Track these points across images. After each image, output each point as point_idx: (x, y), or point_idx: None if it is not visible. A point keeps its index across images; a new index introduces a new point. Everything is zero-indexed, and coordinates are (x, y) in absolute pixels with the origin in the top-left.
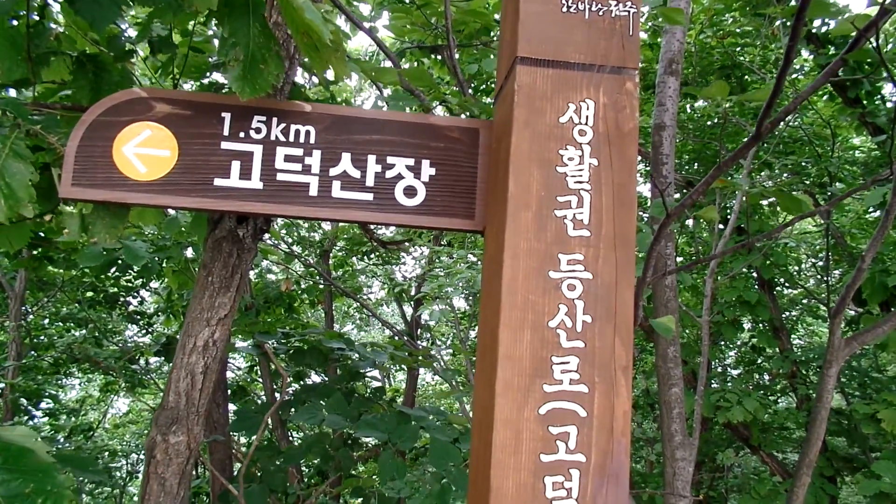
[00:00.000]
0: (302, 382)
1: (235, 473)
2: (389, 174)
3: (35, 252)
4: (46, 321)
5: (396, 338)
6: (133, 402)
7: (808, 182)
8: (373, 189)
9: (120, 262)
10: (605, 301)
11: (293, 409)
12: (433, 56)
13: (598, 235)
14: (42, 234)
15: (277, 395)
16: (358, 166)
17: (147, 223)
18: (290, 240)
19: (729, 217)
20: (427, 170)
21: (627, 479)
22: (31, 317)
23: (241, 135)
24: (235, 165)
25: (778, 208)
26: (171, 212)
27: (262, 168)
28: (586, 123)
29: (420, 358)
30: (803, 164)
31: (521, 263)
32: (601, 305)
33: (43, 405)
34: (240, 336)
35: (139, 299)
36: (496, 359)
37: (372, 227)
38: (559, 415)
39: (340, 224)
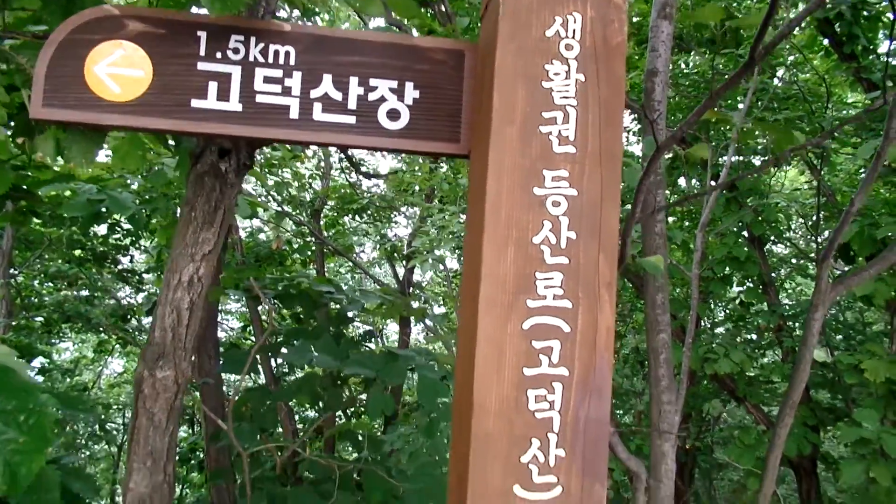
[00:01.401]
0: (289, 323)
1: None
2: (372, 97)
3: (19, 205)
4: (36, 282)
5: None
6: (128, 363)
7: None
8: (355, 112)
9: (105, 210)
10: (589, 218)
11: (283, 351)
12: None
13: (583, 152)
14: (25, 188)
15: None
16: (339, 88)
17: (130, 167)
18: (280, 198)
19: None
20: (411, 92)
21: (610, 393)
22: (21, 278)
23: (218, 55)
24: (213, 87)
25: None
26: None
27: (241, 90)
28: (573, 37)
29: (411, 305)
30: (797, 120)
31: (505, 180)
32: (586, 222)
33: (36, 363)
34: (231, 293)
35: (129, 257)
36: (480, 275)
37: (355, 153)
38: (543, 330)
39: (331, 183)
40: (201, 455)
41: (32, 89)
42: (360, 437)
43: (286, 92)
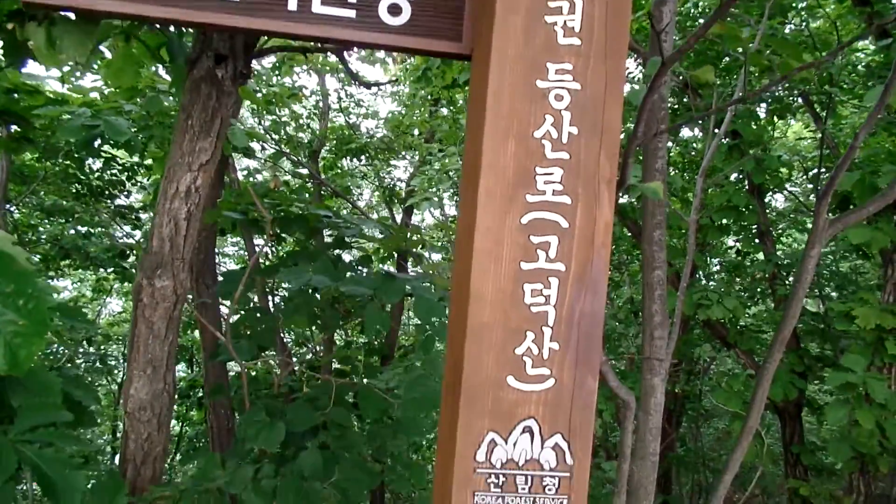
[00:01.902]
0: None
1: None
2: None
3: (13, 132)
4: (33, 222)
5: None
6: (126, 303)
7: (808, 87)
8: (355, 5)
9: (100, 138)
10: (592, 113)
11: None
12: None
13: (588, 44)
14: (17, 113)
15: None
16: None
17: (124, 83)
18: (277, 137)
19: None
20: None
21: (605, 290)
22: (17, 214)
23: None
24: None
25: (774, 118)
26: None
27: None
28: None
29: (408, 237)
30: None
31: (507, 71)
32: (588, 117)
33: None
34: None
35: (126, 193)
36: (479, 168)
37: (353, 50)
38: (541, 225)
39: (329, 125)
40: (200, 392)
41: None
42: (358, 362)
43: None
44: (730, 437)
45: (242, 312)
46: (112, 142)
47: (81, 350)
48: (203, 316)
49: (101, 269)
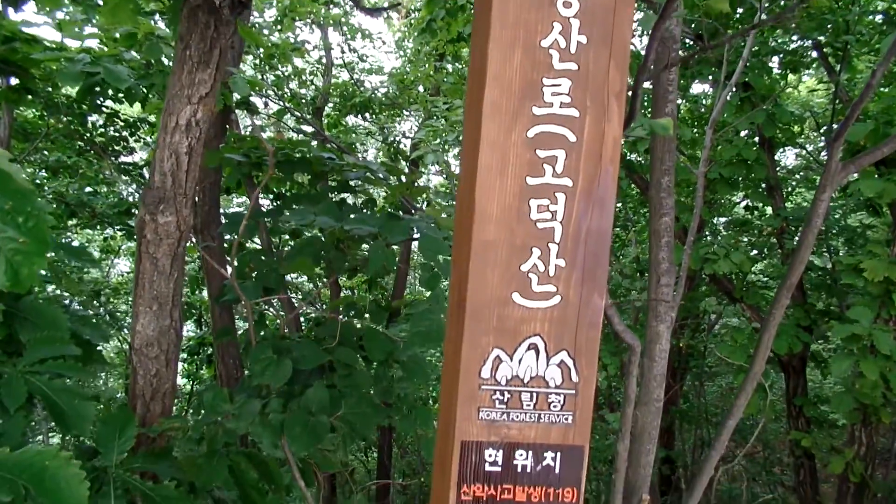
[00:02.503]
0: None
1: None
2: None
3: (12, 85)
4: (38, 181)
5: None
6: (134, 264)
7: (822, 39)
8: None
9: (100, 86)
10: (602, 22)
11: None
12: None
13: None
14: (16, 63)
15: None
16: None
17: (121, 22)
18: (279, 92)
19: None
20: None
21: (613, 205)
22: (23, 174)
23: None
24: None
25: (787, 71)
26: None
27: None
28: None
29: (414, 183)
30: (821, 15)
31: None
32: (598, 27)
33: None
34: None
35: (130, 150)
36: (484, 80)
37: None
38: (547, 139)
39: (332, 80)
40: (209, 350)
41: None
42: (364, 305)
43: None
44: (733, 393)
45: (246, 249)
46: (113, 95)
47: (95, 303)
48: (208, 264)
49: (109, 229)
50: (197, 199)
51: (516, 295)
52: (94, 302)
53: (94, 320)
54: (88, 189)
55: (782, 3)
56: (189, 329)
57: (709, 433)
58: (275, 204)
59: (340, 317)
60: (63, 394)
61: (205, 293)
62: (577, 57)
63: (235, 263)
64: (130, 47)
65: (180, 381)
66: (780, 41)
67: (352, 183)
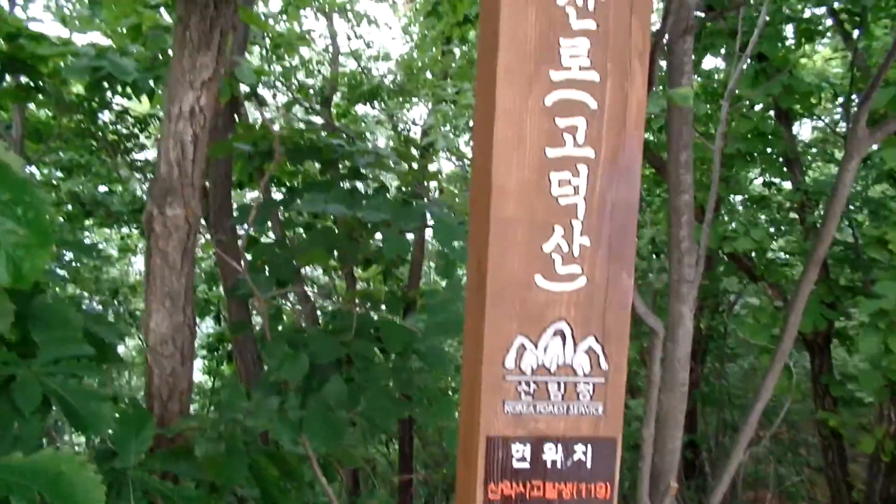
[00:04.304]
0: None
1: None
2: None
3: (21, 83)
4: (54, 182)
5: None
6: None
7: (838, 5)
8: None
9: (107, 81)
10: None
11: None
12: None
13: None
14: (24, 61)
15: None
16: None
17: (121, 9)
18: (286, 83)
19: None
20: None
21: (639, 175)
22: (38, 174)
23: None
24: None
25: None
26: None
27: None
28: None
29: (427, 168)
30: None
31: None
32: None
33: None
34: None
35: (140, 146)
36: (497, 42)
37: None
38: (567, 106)
39: (340, 69)
40: (229, 346)
41: None
42: (380, 297)
43: None
44: (756, 374)
45: (258, 242)
46: (121, 90)
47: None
48: (222, 258)
49: (125, 228)
50: (208, 193)
51: (539, 277)
52: (115, 301)
53: (109, 319)
54: (103, 188)
55: None
56: (209, 325)
57: (732, 416)
58: (287, 196)
59: (357, 309)
60: (79, 395)
61: (221, 289)
62: (596, 14)
63: (248, 257)
64: (135, 40)
65: (202, 377)
66: (794, 8)
67: (363, 170)
